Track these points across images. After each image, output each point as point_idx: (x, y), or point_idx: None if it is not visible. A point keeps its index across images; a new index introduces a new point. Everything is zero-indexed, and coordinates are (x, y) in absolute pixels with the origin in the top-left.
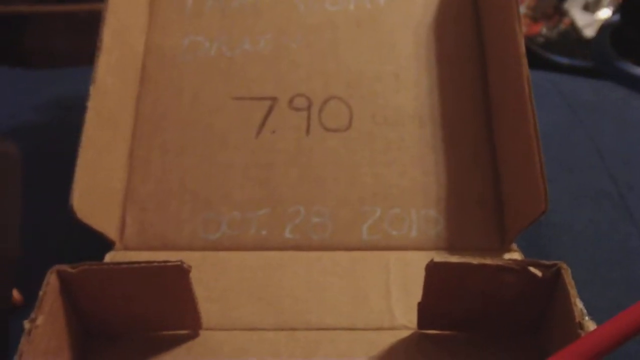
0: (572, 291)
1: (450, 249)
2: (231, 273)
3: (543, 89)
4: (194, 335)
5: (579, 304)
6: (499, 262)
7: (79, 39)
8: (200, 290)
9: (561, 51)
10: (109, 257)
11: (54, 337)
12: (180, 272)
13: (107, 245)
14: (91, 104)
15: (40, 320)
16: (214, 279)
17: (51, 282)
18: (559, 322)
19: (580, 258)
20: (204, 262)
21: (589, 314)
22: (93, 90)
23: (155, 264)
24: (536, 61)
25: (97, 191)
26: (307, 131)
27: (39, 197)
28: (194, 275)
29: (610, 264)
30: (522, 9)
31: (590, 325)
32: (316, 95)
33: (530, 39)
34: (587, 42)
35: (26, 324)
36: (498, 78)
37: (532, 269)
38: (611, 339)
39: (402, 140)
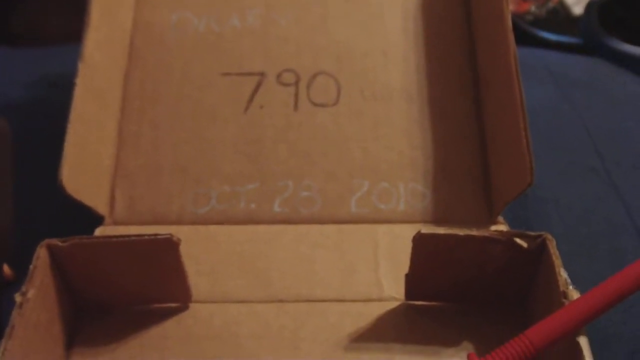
0: (557, 261)
1: (438, 222)
2: (221, 247)
3: (531, 66)
4: (183, 308)
5: (563, 274)
6: (485, 234)
7: (69, 18)
8: (190, 264)
9: (550, 28)
10: (98, 232)
11: (45, 310)
12: (170, 245)
13: (97, 220)
14: (79, 80)
15: (31, 294)
16: (204, 253)
17: (41, 256)
18: (544, 292)
19: (566, 232)
20: (194, 236)
21: (574, 285)
22: (81, 67)
23: (145, 237)
24: (525, 38)
25: (86, 166)
26: (295, 106)
27: (29, 174)
28: (183, 249)
29: (596, 238)
30: None
31: (574, 294)
32: (304, 70)
33: (519, 17)
34: (576, 19)
35: (17, 297)
36: (486, 54)
37: (517, 240)
38: (594, 306)
39: (390, 115)
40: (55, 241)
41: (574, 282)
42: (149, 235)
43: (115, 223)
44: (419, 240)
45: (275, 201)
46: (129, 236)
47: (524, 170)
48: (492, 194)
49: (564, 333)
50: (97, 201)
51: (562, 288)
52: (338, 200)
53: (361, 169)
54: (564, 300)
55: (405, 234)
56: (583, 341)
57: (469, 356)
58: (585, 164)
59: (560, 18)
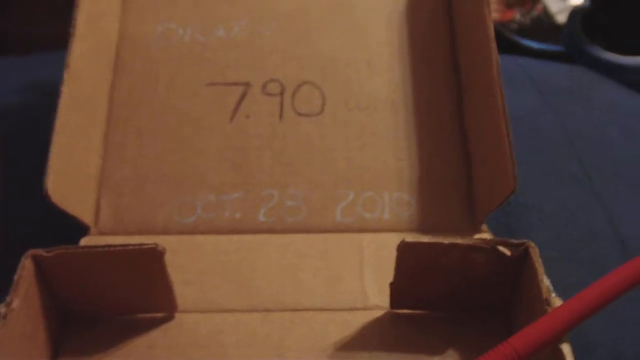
0: (540, 269)
1: (423, 230)
2: (206, 256)
3: (513, 73)
4: (169, 318)
5: (546, 281)
6: (469, 242)
7: (59, 24)
8: (175, 274)
9: (534, 37)
10: (84, 242)
11: (30, 321)
12: (155, 255)
13: (82, 230)
14: (65, 89)
15: (15, 304)
16: (190, 263)
17: (26, 266)
18: (528, 300)
19: (548, 238)
20: (180, 246)
21: (557, 292)
22: (67, 75)
23: (130, 247)
24: (509, 47)
25: (71, 176)
26: (280, 116)
27: (14, 182)
28: (169, 259)
29: (578, 244)
30: None
31: (557, 302)
32: (289, 80)
33: (503, 25)
34: (560, 27)
35: (2, 308)
36: (468, 62)
37: (501, 247)
38: (576, 313)
39: (375, 125)
40: (40, 251)
41: (556, 289)
42: (134, 245)
43: (101, 233)
44: (404, 249)
45: (261, 210)
46: (114, 246)
47: (507, 177)
48: (476, 202)
49: (547, 340)
50: (82, 211)
51: (544, 295)
52: (323, 209)
53: (346, 179)
54: (546, 307)
55: (391, 242)
56: (566, 348)
57: None
58: (567, 171)
59: (544, 26)
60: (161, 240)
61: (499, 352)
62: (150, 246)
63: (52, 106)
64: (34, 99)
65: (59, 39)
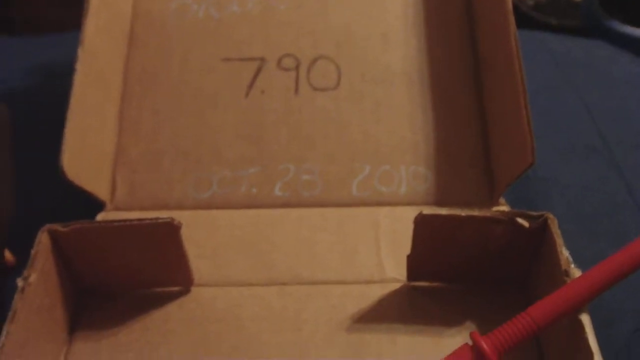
0: (559, 240)
1: (440, 204)
2: (222, 231)
3: (532, 48)
4: (185, 292)
5: (565, 253)
6: (487, 214)
7: (66, 8)
8: (191, 248)
9: (551, 12)
10: (100, 218)
11: (47, 295)
12: (171, 229)
13: (98, 206)
14: (79, 66)
15: (33, 278)
16: (205, 237)
17: (43, 240)
18: (546, 272)
19: (568, 211)
20: (195, 221)
21: (576, 265)
22: (81, 52)
23: (146, 221)
24: (527, 22)
25: (87, 152)
26: (296, 91)
27: (30, 160)
28: (185, 234)
29: (598, 217)
30: None
31: (576, 273)
32: (304, 55)
33: (520, 1)
34: (577, 3)
35: (19, 282)
36: (486, 36)
37: (519, 219)
38: (596, 284)
39: (391, 98)
40: (57, 226)
41: (575, 261)
42: (150, 219)
43: (117, 209)
44: (421, 221)
45: (277, 185)
46: (130, 220)
47: (525, 150)
48: (494, 175)
49: (566, 311)
50: (98, 187)
51: (564, 267)
52: (339, 183)
53: (362, 152)
54: (565, 278)
55: (407, 216)
56: (585, 319)
57: (471, 334)
58: (587, 144)
59: (561, 2)
60: (177, 215)
61: (518, 323)
62: (166, 220)
63: (62, 87)
64: (44, 80)
65: (64, 22)
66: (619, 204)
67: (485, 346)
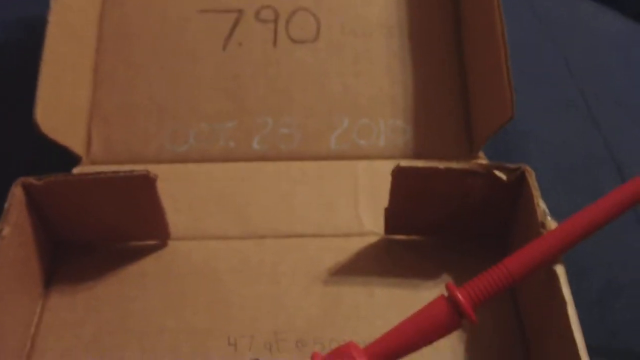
0: (536, 192)
1: (419, 157)
2: (199, 185)
3: (513, 4)
4: (162, 245)
5: (541, 205)
6: (465, 167)
7: None
8: (168, 202)
9: None
10: (75, 172)
11: (22, 248)
12: (147, 182)
13: (74, 161)
14: (52, 18)
15: (6, 232)
16: (182, 191)
17: (16, 193)
18: (524, 224)
19: (546, 166)
20: (172, 175)
21: (553, 218)
22: (54, 4)
23: (121, 173)
24: None
25: (61, 105)
26: (274, 43)
27: (4, 115)
28: (162, 188)
29: (576, 171)
30: None
31: (552, 225)
32: (283, 6)
33: None
34: None
35: None
36: None
37: (497, 172)
38: (570, 235)
39: (371, 51)
40: (31, 179)
41: (553, 216)
42: (125, 171)
43: (93, 163)
44: (398, 174)
45: (254, 138)
46: (104, 173)
47: (504, 103)
48: (473, 129)
49: (542, 262)
50: (73, 141)
51: (540, 219)
52: (318, 136)
53: (341, 105)
54: (542, 230)
55: (386, 169)
56: (560, 270)
57: (447, 285)
58: (566, 99)
59: None
60: (154, 169)
61: (493, 274)
62: (141, 173)
63: (40, 41)
64: (22, 35)
65: None
66: (597, 159)
67: (460, 297)
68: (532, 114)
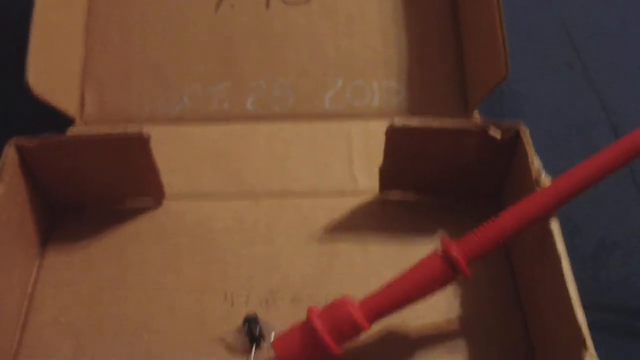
0: (530, 150)
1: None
2: (193, 145)
3: None
4: (157, 205)
5: (536, 162)
6: (459, 125)
7: None
8: (162, 163)
9: None
10: (69, 133)
11: (17, 208)
12: (140, 141)
13: (69, 123)
14: None
15: (1, 191)
16: (176, 151)
17: (9, 154)
18: (518, 182)
19: (541, 127)
20: (166, 135)
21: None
22: None
23: (115, 134)
24: None
25: (53, 67)
26: (267, 5)
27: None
28: (156, 149)
29: (570, 132)
30: None
31: (547, 182)
32: None
33: None
34: None
35: None
36: None
37: (491, 132)
38: (565, 190)
39: (364, 12)
40: (24, 140)
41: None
42: (119, 132)
43: (87, 124)
44: (392, 134)
45: (248, 99)
46: (98, 133)
47: (499, 63)
48: (468, 89)
49: (536, 217)
50: (66, 103)
51: (534, 176)
52: (311, 97)
53: (335, 66)
54: (536, 187)
55: (380, 129)
56: (554, 225)
57: (441, 240)
58: (562, 59)
59: None
60: (148, 130)
61: (487, 229)
62: (135, 132)
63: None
64: None
65: None
66: (592, 119)
67: (454, 251)
68: (527, 75)
